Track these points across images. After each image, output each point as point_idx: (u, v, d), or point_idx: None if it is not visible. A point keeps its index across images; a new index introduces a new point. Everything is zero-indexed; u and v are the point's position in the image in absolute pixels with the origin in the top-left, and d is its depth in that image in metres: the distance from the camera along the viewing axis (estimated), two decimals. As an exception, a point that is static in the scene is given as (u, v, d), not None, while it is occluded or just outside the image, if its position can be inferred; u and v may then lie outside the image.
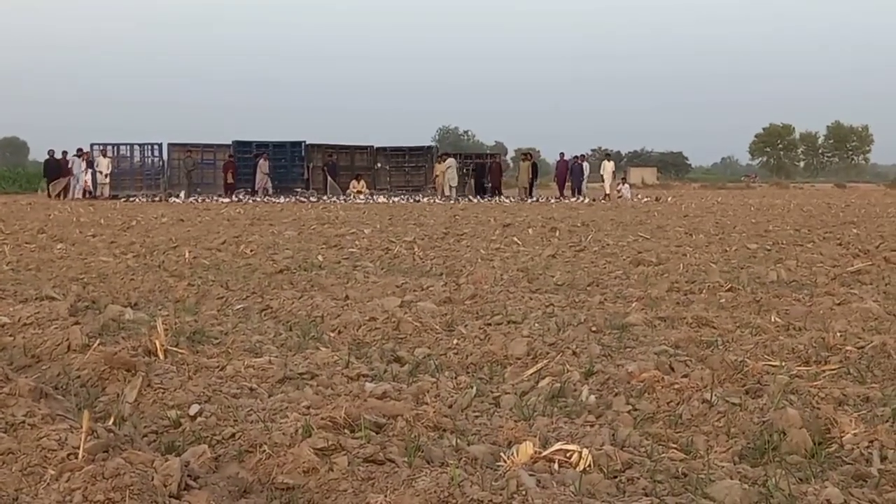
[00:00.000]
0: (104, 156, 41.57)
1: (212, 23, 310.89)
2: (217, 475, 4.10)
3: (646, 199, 40.94)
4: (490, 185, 45.35)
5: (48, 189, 41.08)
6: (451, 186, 43.12)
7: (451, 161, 44.21)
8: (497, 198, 41.73)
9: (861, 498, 3.63)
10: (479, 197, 42.58)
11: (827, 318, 7.97)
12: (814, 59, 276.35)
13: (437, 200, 39.28)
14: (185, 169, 43.63)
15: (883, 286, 10.39)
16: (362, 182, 43.97)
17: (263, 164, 42.91)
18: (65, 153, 41.87)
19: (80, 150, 42.12)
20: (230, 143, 45.16)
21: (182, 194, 40.27)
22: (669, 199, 42.39)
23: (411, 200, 39.09)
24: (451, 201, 38.95)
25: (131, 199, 38.24)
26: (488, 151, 72.75)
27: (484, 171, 46.18)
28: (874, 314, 8.20)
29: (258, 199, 39.03)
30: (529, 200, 40.04)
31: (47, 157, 42.48)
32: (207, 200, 37.61)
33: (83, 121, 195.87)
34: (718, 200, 40.07)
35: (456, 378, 5.96)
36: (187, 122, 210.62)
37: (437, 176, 44.36)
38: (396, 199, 40.11)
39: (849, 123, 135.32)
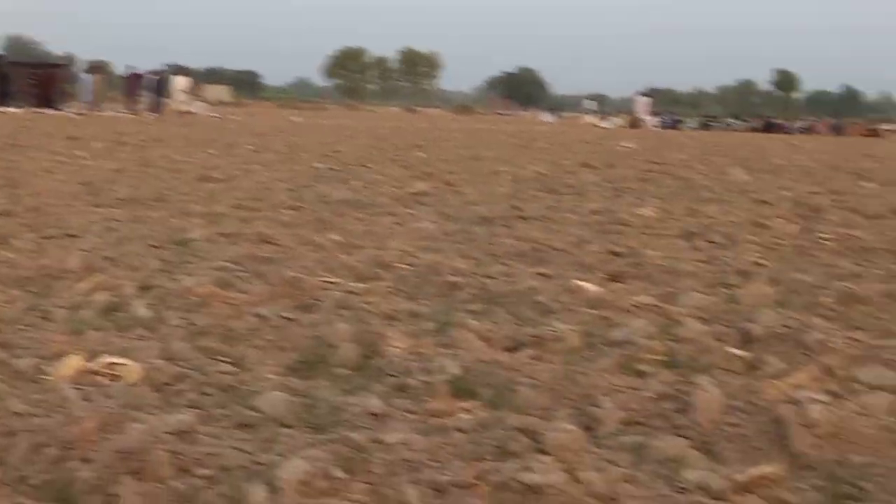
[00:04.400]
0: None
1: None
2: None
3: (214, 116, 40.49)
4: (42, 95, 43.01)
5: None
6: None
7: None
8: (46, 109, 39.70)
9: (399, 407, 3.77)
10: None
11: (385, 237, 8.22)
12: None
13: None
14: None
15: (441, 207, 10.83)
16: None
17: None
18: None
19: None
20: None
21: None
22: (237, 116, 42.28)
23: None
24: None
25: None
26: (55, 61, 69.49)
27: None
28: (429, 234, 8.55)
29: None
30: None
31: None
32: None
33: None
34: (293, 120, 40.35)
35: (7, 291, 5.71)
36: None
37: None
38: None
39: (420, 49, 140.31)
